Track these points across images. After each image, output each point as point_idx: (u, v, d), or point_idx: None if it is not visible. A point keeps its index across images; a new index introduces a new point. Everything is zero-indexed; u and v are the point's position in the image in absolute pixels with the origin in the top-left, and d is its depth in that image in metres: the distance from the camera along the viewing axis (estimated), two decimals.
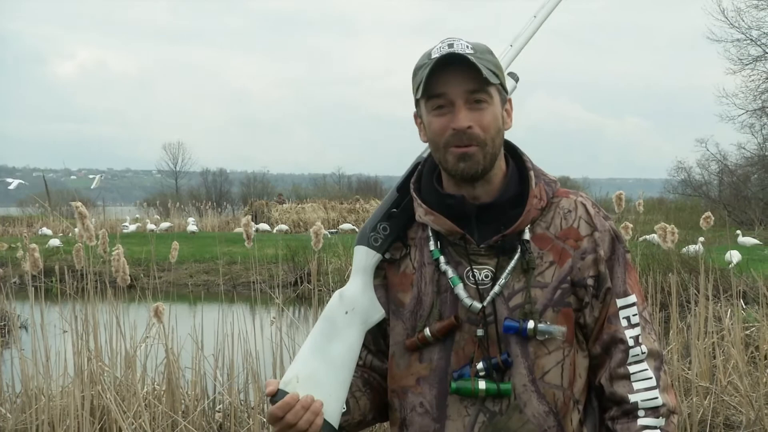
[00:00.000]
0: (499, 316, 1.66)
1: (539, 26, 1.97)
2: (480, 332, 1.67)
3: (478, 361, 1.66)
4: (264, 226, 24.38)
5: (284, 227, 24.39)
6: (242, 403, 5.35)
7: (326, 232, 6.80)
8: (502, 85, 1.71)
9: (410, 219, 1.77)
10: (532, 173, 1.73)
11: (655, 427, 1.65)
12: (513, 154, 1.78)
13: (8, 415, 5.07)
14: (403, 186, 1.79)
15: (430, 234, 1.73)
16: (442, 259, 1.70)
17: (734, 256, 9.36)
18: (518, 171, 1.75)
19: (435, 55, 1.65)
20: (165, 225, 26.83)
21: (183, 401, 5.31)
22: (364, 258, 1.77)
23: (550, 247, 1.70)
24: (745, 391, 5.29)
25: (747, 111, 26.60)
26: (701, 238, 9.32)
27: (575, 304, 1.69)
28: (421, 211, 1.73)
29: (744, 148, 27.97)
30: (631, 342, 1.69)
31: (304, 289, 11.79)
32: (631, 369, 1.68)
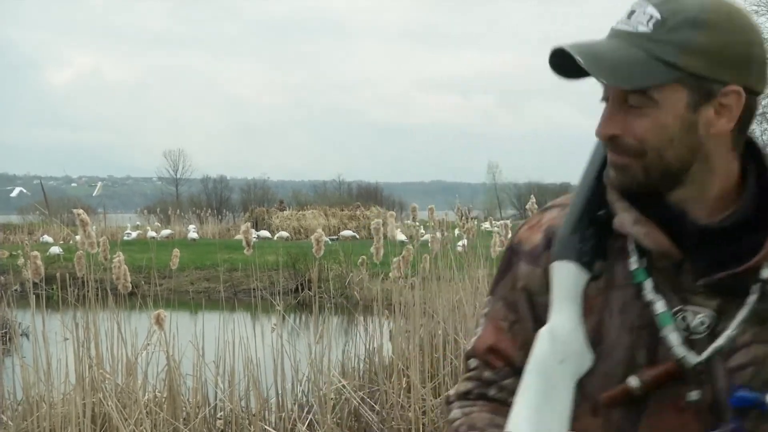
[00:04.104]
0: (719, 379, 1.18)
1: None
2: (695, 396, 1.18)
3: None
4: (265, 233, 24.40)
5: (285, 234, 24.42)
6: (243, 409, 5.35)
7: (327, 239, 6.81)
8: (700, 76, 1.13)
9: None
10: None
11: None
12: (757, 158, 1.23)
13: (9, 422, 5.07)
14: (598, 176, 1.26)
15: (631, 248, 1.21)
16: (648, 284, 1.19)
17: None
18: (759, 183, 1.22)
19: (613, 25, 1.19)
20: (166, 232, 26.89)
21: (184, 408, 5.32)
22: (574, 280, 1.21)
23: None
24: None
25: None
26: None
27: None
28: (627, 218, 1.20)
29: None
30: None
31: (305, 296, 11.83)
32: None
